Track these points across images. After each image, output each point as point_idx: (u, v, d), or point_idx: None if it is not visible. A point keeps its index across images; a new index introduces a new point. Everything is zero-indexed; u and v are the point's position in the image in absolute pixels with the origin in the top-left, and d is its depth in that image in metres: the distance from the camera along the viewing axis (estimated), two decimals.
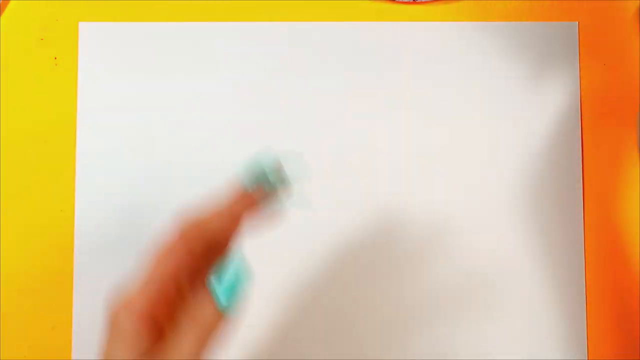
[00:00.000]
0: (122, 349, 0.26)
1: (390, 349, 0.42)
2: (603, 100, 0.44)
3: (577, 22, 0.44)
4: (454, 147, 0.43)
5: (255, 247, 0.43)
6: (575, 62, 0.44)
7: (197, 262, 0.27)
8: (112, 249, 0.42)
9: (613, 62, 0.44)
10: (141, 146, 0.43)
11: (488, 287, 0.42)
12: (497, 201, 0.43)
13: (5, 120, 0.43)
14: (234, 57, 0.44)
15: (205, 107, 0.43)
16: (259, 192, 0.28)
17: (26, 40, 0.43)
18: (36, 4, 0.44)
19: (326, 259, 0.43)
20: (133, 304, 0.26)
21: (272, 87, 0.44)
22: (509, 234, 0.43)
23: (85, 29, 0.43)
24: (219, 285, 0.27)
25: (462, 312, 0.43)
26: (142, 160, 0.43)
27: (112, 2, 0.44)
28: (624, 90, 0.44)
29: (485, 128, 0.43)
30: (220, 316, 0.27)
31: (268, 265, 0.43)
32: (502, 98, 0.43)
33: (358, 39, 0.44)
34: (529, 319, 0.42)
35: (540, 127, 0.44)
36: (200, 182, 0.43)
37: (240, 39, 0.44)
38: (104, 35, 0.43)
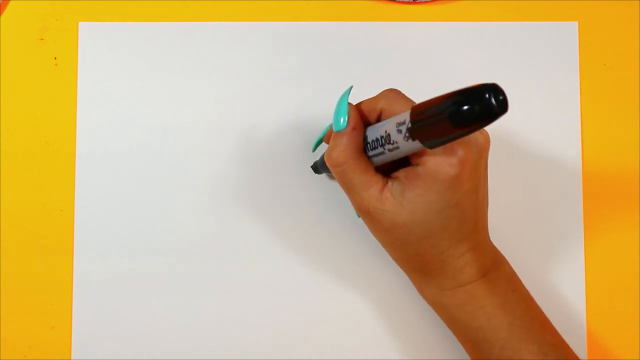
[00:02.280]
0: None
1: (392, 349, 0.42)
2: (603, 100, 0.44)
3: (577, 22, 0.44)
4: None
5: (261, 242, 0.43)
6: (575, 62, 0.44)
7: None
8: (112, 248, 0.42)
9: (613, 62, 0.44)
10: (141, 146, 0.43)
11: None
12: (497, 201, 0.43)
13: (5, 120, 0.43)
14: (234, 57, 0.44)
15: (205, 106, 0.43)
16: None
17: (26, 40, 0.43)
18: (36, 4, 0.44)
19: (327, 259, 0.43)
20: None
21: (272, 87, 0.44)
22: (508, 235, 0.43)
23: (85, 29, 0.43)
24: None
25: None
26: (142, 160, 0.43)
27: (112, 2, 0.44)
28: (624, 90, 0.44)
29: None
30: None
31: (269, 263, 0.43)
32: None
33: (358, 39, 0.44)
34: None
35: (539, 127, 0.44)
36: (200, 182, 0.43)
37: (240, 38, 0.44)
38: (104, 35, 0.43)
